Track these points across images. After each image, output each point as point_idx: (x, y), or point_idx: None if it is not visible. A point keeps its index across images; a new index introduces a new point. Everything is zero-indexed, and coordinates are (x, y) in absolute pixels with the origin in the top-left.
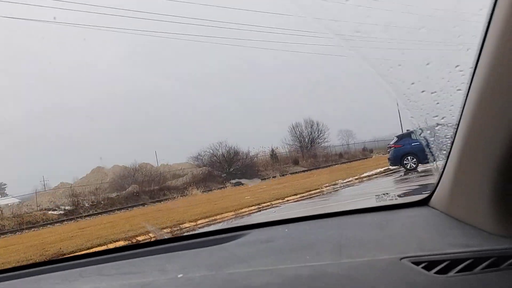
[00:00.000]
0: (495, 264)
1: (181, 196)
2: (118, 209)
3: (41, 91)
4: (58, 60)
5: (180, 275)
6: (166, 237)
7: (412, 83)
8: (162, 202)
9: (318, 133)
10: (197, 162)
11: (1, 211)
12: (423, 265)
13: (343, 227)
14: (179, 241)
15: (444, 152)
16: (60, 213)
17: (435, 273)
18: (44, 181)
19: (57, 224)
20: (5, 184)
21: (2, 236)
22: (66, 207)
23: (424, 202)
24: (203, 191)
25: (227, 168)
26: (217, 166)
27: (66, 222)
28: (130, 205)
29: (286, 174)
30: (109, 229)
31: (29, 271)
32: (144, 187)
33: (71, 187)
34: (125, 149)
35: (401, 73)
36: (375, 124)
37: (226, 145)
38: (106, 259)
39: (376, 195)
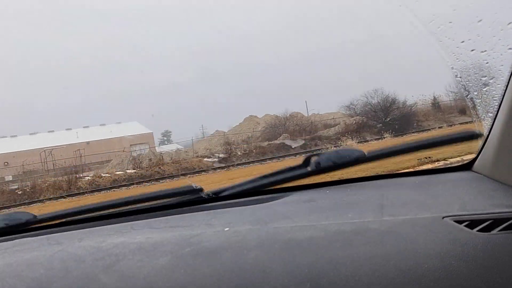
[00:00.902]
0: None
1: (334, 146)
2: (269, 159)
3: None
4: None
5: (227, 229)
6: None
7: (462, 42)
8: (314, 153)
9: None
10: (349, 112)
11: (162, 156)
12: (465, 223)
13: (384, 189)
14: (223, 200)
15: (491, 114)
16: (214, 160)
17: (478, 231)
18: (203, 129)
19: (210, 171)
20: (170, 132)
21: (161, 181)
22: (220, 155)
23: (467, 167)
24: (358, 142)
25: (383, 117)
26: (372, 115)
27: (219, 170)
28: (281, 154)
29: (453, 125)
30: None
31: (81, 225)
32: (295, 136)
33: (224, 134)
34: (277, 98)
35: (451, 30)
36: None
37: (382, 93)
38: (155, 214)
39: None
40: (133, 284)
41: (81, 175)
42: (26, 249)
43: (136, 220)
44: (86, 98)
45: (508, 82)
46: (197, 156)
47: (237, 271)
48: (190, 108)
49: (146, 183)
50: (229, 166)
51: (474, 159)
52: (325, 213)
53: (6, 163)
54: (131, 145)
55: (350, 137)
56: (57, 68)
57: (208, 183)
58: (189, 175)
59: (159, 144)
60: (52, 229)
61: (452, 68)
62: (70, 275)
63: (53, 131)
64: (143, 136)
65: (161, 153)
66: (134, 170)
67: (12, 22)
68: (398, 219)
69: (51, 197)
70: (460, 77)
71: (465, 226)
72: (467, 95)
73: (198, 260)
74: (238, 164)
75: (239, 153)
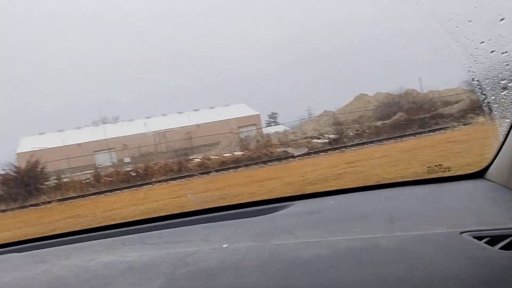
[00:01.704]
0: None
1: (463, 124)
2: (386, 139)
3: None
4: None
5: (225, 245)
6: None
7: (482, 42)
8: (437, 132)
9: None
10: (471, 87)
11: (269, 138)
12: (486, 240)
13: (393, 199)
14: (222, 210)
15: (508, 120)
16: (324, 142)
17: (500, 248)
18: (309, 110)
19: (322, 153)
20: (276, 113)
21: (268, 163)
22: (330, 136)
23: (479, 175)
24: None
25: None
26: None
27: (330, 152)
28: (397, 135)
29: None
30: (388, 166)
31: (71, 238)
32: (411, 115)
33: (334, 114)
34: (388, 76)
35: (470, 30)
36: None
37: None
38: (149, 227)
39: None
40: None
41: (191, 158)
42: (8, 268)
43: (128, 234)
44: (196, 82)
45: None
46: (306, 137)
47: None
48: (296, 89)
49: (254, 166)
50: (341, 147)
51: (487, 167)
52: (331, 226)
53: (124, 146)
54: (238, 127)
55: (482, 114)
56: (170, 55)
57: (324, 167)
58: (298, 158)
59: (266, 126)
60: (39, 243)
61: (470, 70)
62: None
63: (166, 114)
64: (251, 118)
65: (268, 135)
66: (242, 152)
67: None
68: (410, 235)
69: (160, 179)
70: (478, 80)
71: (486, 243)
72: (483, 99)
73: (194, 283)
74: (351, 146)
75: (351, 134)
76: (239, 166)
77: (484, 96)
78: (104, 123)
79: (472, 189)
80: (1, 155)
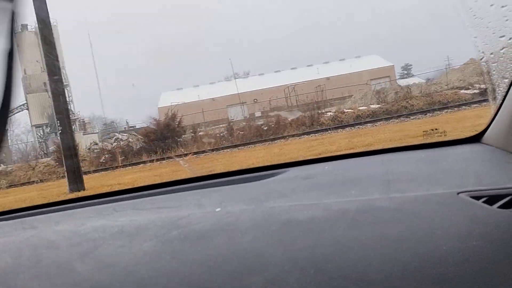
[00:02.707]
0: None
1: None
2: None
3: None
4: None
5: (218, 209)
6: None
7: None
8: None
9: None
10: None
11: (409, 89)
12: (483, 199)
13: (389, 164)
14: (215, 178)
15: (506, 80)
16: (474, 93)
17: (499, 207)
18: (448, 60)
19: (474, 105)
20: (410, 65)
21: (411, 117)
22: (481, 86)
23: (476, 139)
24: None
25: None
26: None
27: (483, 103)
28: None
29: None
30: None
31: (62, 207)
32: None
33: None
34: None
35: None
36: None
37: None
38: (140, 195)
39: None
40: (111, 273)
41: (323, 111)
42: None
43: (120, 201)
44: (325, 34)
45: None
46: (451, 88)
47: (230, 256)
48: (432, 38)
49: (395, 120)
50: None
51: (484, 131)
52: (325, 190)
53: (255, 100)
54: (371, 79)
55: None
56: (298, 7)
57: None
58: (446, 110)
59: (399, 78)
60: (28, 212)
61: (468, 26)
62: (41, 263)
63: (295, 68)
64: (384, 69)
65: (408, 86)
66: (379, 105)
67: None
68: (408, 196)
69: (293, 133)
70: (476, 37)
71: (484, 202)
72: (482, 58)
73: (186, 245)
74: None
75: None
76: (378, 120)
77: (482, 54)
78: (236, 78)
79: (468, 152)
80: (145, 109)
